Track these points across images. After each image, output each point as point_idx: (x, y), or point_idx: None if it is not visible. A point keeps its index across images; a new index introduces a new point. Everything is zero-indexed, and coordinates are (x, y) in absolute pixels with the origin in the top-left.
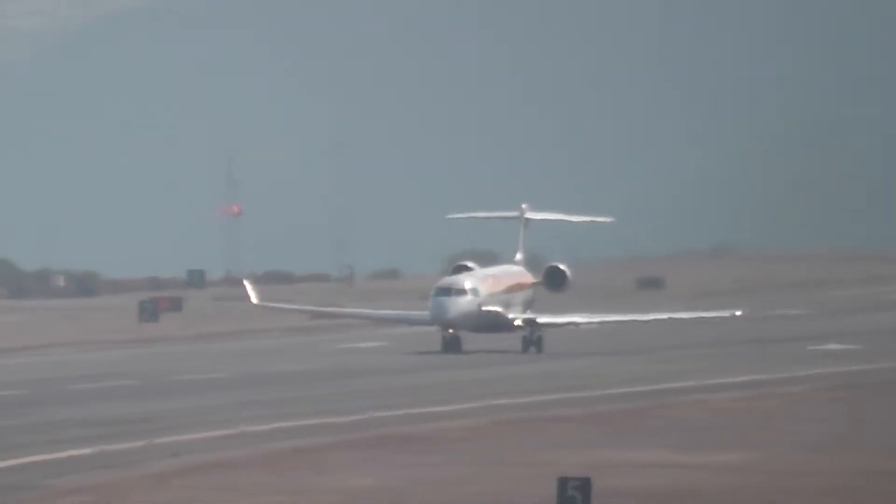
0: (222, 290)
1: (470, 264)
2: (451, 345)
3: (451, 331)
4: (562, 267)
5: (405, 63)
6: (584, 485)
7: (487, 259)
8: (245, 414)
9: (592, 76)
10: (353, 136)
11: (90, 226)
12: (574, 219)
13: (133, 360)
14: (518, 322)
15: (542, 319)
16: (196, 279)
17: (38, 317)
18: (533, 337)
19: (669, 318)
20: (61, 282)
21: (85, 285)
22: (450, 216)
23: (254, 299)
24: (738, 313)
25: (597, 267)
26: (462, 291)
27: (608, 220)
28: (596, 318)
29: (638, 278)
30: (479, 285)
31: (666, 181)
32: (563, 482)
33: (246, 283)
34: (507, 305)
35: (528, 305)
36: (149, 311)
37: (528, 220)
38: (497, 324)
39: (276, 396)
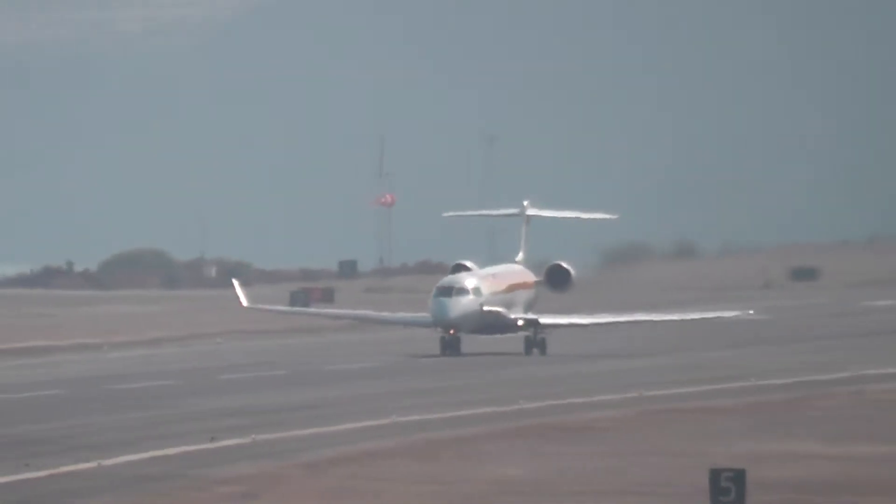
0: (374, 280)
1: (468, 264)
2: (451, 346)
3: (451, 331)
4: (565, 265)
5: (554, 57)
6: (739, 476)
7: None
8: (397, 404)
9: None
10: (504, 126)
11: (243, 216)
12: (581, 216)
13: (284, 350)
14: (520, 322)
15: (545, 320)
16: (347, 270)
17: (190, 306)
18: (536, 338)
19: (681, 320)
20: (213, 272)
21: (237, 275)
22: (446, 214)
23: (244, 302)
24: (750, 312)
25: (749, 255)
26: (464, 291)
27: (613, 216)
28: (602, 319)
29: (792, 268)
30: (481, 284)
31: (824, 168)
32: (715, 473)
33: (235, 283)
34: (508, 305)
35: (531, 305)
36: (300, 302)
37: (529, 217)
38: (499, 324)
39: (427, 386)
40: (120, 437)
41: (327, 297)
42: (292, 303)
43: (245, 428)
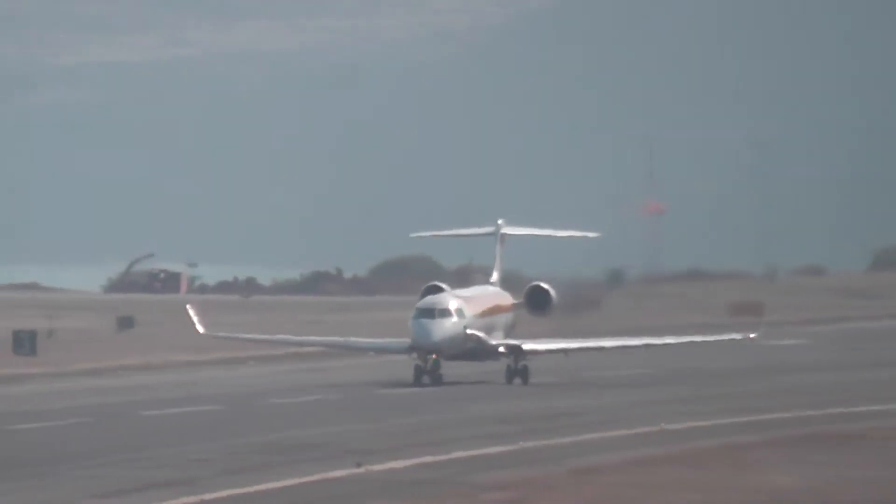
0: (641, 287)
1: (442, 285)
2: (430, 373)
3: (433, 356)
4: (544, 286)
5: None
6: None
7: None
8: (664, 410)
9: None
10: (771, 133)
11: (511, 223)
12: (558, 234)
13: (550, 358)
14: (502, 349)
15: (527, 346)
16: (615, 278)
17: None
18: (518, 366)
19: (680, 343)
20: (479, 278)
21: (506, 282)
22: (413, 235)
23: (199, 328)
24: (752, 336)
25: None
26: (447, 312)
27: (594, 235)
28: (591, 344)
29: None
30: (464, 306)
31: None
32: None
33: (189, 309)
34: (489, 330)
35: (511, 329)
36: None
37: (504, 235)
38: (479, 351)
39: (694, 393)
40: (386, 443)
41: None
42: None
43: (512, 435)
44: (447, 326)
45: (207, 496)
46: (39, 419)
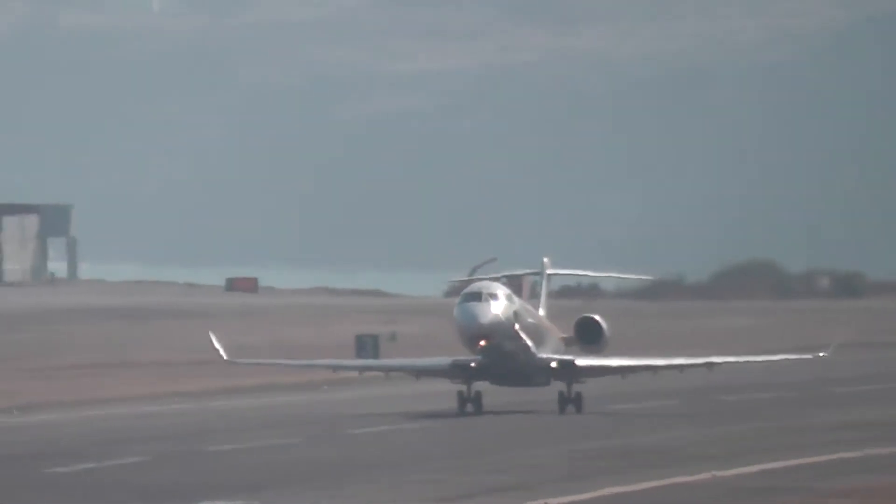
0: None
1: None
2: (473, 401)
3: (483, 342)
4: (596, 318)
5: None
6: None
7: None
8: None
9: None
10: None
11: (853, 225)
12: (600, 275)
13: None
14: (553, 364)
15: (582, 361)
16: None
17: (799, 318)
18: (571, 392)
19: (746, 362)
20: (826, 283)
21: (850, 286)
22: (450, 280)
23: (223, 355)
24: (821, 354)
25: None
26: (495, 297)
27: (641, 277)
28: (660, 362)
29: None
30: (515, 299)
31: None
32: None
33: (212, 337)
34: (538, 343)
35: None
36: None
37: (549, 275)
38: (526, 365)
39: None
40: (729, 449)
41: None
42: None
43: (861, 441)
44: (497, 310)
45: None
46: (387, 422)
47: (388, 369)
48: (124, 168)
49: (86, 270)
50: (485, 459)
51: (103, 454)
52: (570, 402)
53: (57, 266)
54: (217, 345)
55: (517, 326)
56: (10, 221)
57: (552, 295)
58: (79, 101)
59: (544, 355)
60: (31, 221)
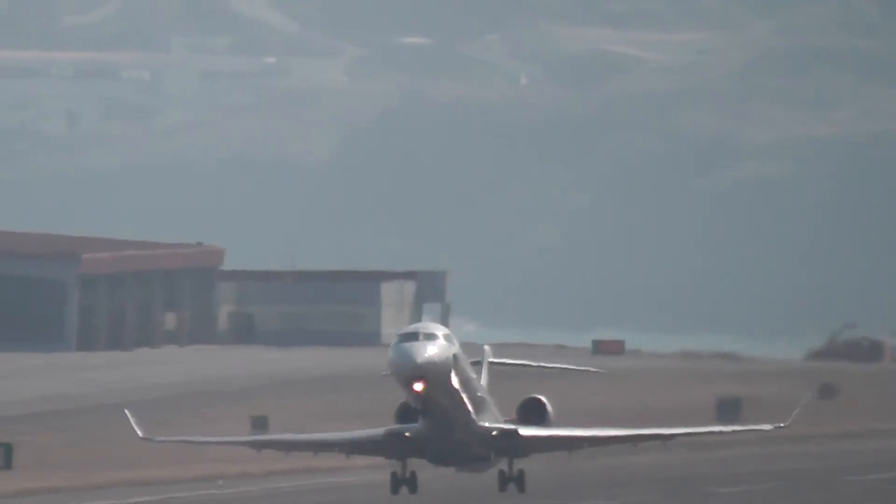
0: None
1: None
2: (408, 483)
3: (420, 386)
4: (541, 398)
5: None
6: None
7: None
8: None
9: None
10: None
11: None
12: (548, 365)
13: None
14: (494, 433)
15: (526, 431)
16: None
17: None
18: (512, 469)
19: (697, 432)
20: None
21: None
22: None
23: (139, 432)
24: (781, 425)
25: None
26: (433, 336)
27: (596, 370)
28: (613, 432)
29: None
30: (456, 343)
31: None
32: None
33: (128, 414)
34: (479, 410)
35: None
36: None
37: (490, 363)
38: (463, 429)
39: None
40: None
41: None
42: None
43: None
44: (433, 351)
45: None
46: (735, 483)
47: (316, 446)
48: (496, 234)
49: (458, 333)
50: None
51: None
52: (512, 481)
53: None
54: (132, 421)
55: (453, 373)
56: (387, 287)
57: None
58: (453, 170)
59: (485, 423)
60: (409, 287)
